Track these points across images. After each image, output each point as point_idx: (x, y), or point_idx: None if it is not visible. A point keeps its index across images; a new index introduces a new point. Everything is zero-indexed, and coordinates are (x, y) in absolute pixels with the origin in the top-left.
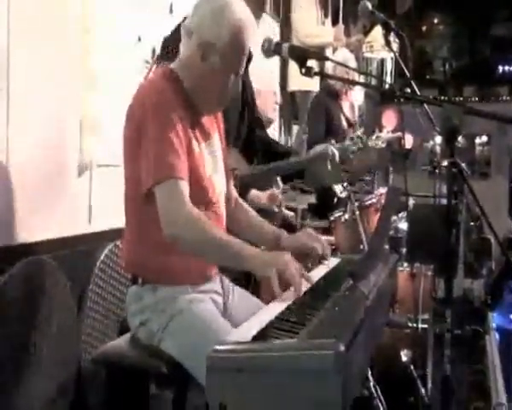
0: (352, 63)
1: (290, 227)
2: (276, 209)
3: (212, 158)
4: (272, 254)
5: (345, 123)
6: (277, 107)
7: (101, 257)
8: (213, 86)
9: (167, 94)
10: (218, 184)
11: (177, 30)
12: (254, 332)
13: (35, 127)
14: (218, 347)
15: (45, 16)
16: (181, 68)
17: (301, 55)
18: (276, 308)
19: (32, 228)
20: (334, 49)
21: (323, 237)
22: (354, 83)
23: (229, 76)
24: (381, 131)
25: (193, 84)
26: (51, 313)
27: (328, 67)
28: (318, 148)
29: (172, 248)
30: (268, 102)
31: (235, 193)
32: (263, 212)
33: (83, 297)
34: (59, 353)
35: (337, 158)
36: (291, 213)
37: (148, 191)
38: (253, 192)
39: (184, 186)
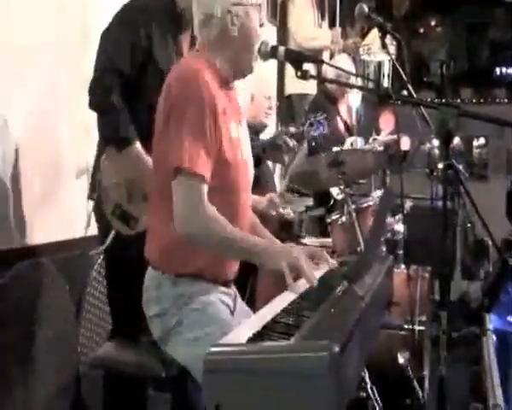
0: (351, 69)
1: (288, 224)
2: (274, 213)
3: (246, 144)
4: (282, 246)
5: (342, 126)
6: (271, 111)
7: (99, 260)
8: (250, 40)
9: (202, 77)
10: (250, 168)
11: None
12: (250, 334)
13: (32, 132)
14: (214, 349)
15: (45, 27)
16: (212, 49)
17: (297, 58)
18: (271, 310)
19: (30, 231)
20: (332, 52)
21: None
22: (350, 86)
23: (253, 19)
24: (378, 133)
25: (229, 54)
26: (49, 316)
27: (327, 70)
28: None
29: None
30: (262, 107)
31: None
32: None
33: (81, 300)
34: (57, 356)
35: (290, 145)
36: (288, 211)
37: (175, 170)
38: (253, 197)
39: (204, 188)
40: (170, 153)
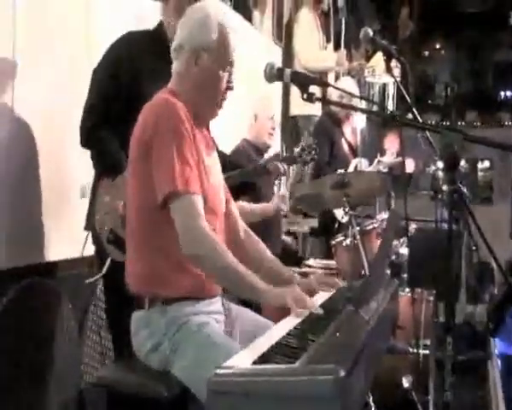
0: (356, 91)
1: (291, 252)
2: (285, 209)
3: (216, 172)
4: (283, 289)
5: (347, 148)
6: (274, 131)
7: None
8: (209, 87)
9: (178, 108)
10: (221, 194)
11: None
12: (255, 357)
13: (38, 150)
14: (218, 371)
15: (50, 33)
16: (178, 83)
17: (303, 80)
18: (276, 333)
19: (34, 250)
20: (337, 74)
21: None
22: (355, 109)
23: (221, 72)
24: (382, 155)
25: (190, 93)
26: (52, 334)
27: (332, 92)
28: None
29: (183, 260)
30: (265, 127)
31: (241, 222)
32: (263, 235)
33: (84, 319)
34: (60, 375)
35: (281, 169)
36: (289, 240)
37: (163, 202)
38: (259, 206)
39: (200, 202)
40: (159, 181)
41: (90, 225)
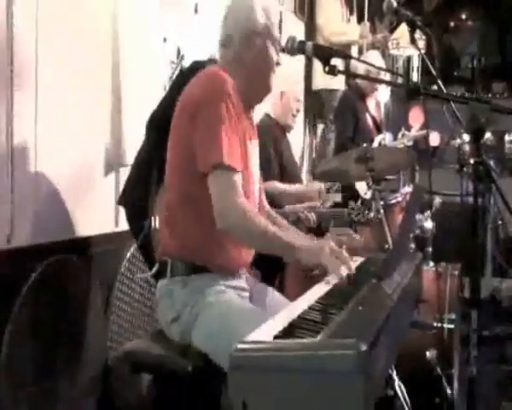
0: (381, 65)
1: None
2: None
3: (254, 162)
4: (317, 244)
5: (371, 122)
6: (298, 114)
7: (128, 256)
8: (264, 66)
9: (227, 82)
10: (255, 180)
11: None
12: (277, 331)
13: (62, 128)
14: (239, 345)
15: (75, 19)
16: (230, 66)
17: (325, 53)
18: (299, 307)
19: (60, 227)
20: (360, 47)
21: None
22: (379, 81)
23: (272, 51)
24: (408, 129)
25: (245, 76)
26: (79, 311)
27: (356, 65)
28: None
29: (213, 233)
30: (290, 109)
31: (266, 204)
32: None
33: (109, 296)
34: (86, 351)
35: (311, 221)
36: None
37: (206, 171)
38: (295, 186)
39: (239, 178)
40: (205, 150)
41: (122, 200)
